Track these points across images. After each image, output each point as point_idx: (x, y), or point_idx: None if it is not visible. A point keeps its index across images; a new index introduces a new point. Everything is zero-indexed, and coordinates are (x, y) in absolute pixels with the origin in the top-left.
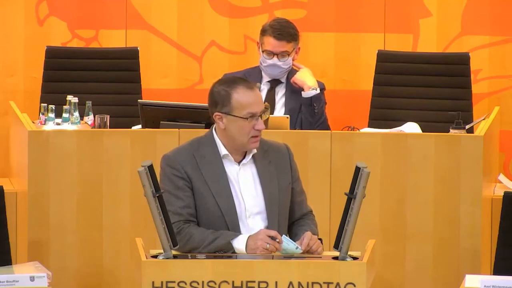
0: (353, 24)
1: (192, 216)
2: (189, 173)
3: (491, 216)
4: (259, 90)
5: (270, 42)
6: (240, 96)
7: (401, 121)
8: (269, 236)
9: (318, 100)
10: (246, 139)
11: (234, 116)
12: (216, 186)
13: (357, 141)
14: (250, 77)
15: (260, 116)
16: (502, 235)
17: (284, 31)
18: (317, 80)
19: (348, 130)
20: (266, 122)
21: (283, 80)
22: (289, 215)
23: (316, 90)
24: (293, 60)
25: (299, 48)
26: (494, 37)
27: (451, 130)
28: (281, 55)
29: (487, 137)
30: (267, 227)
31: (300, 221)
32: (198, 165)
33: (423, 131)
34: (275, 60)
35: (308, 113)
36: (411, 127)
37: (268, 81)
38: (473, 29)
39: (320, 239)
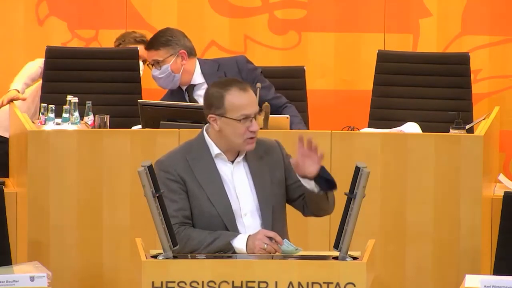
0: (353, 24)
1: (187, 219)
2: (182, 176)
3: (491, 216)
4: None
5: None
6: (233, 98)
7: (401, 121)
8: (268, 237)
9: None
10: (241, 140)
11: (228, 118)
12: (210, 187)
13: (357, 141)
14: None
15: (254, 117)
16: (502, 235)
17: (151, 41)
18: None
19: (348, 130)
20: (266, 122)
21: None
22: (293, 194)
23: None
24: (179, 64)
25: (184, 52)
26: (494, 37)
27: (451, 130)
28: (157, 64)
29: (487, 137)
30: (262, 224)
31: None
32: (191, 168)
33: (423, 131)
34: (153, 71)
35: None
36: (411, 127)
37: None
38: (473, 29)
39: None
